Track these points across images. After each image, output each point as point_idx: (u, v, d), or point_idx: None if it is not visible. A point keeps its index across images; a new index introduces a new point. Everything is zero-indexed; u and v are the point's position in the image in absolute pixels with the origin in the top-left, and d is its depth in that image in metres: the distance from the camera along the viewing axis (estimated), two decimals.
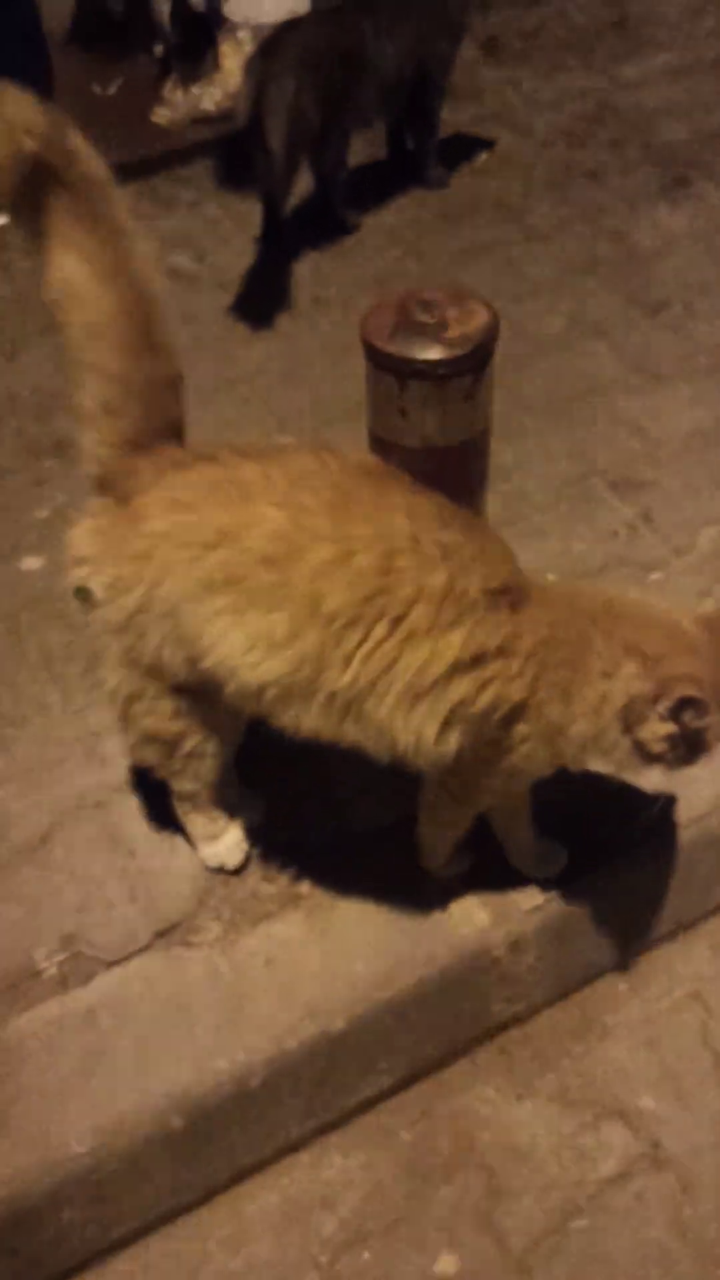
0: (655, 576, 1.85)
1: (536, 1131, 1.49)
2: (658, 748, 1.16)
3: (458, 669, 1.14)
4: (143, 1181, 1.32)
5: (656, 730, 1.15)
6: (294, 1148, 1.46)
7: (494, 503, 2.01)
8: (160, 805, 1.57)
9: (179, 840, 1.52)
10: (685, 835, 1.59)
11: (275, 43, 2.51)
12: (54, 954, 1.41)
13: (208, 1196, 1.41)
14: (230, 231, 2.82)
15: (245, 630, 1.14)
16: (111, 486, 1.21)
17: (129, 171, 2.95)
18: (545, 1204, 1.43)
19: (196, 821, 1.47)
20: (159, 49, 3.44)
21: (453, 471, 1.18)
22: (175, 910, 1.45)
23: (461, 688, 1.15)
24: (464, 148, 3.07)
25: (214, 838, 1.47)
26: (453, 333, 1.10)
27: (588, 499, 2.01)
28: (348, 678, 1.13)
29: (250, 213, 2.82)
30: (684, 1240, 1.40)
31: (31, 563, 1.96)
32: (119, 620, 1.21)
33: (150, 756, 1.37)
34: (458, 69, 3.35)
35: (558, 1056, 1.56)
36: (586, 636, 1.17)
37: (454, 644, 1.12)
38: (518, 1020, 1.56)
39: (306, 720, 1.19)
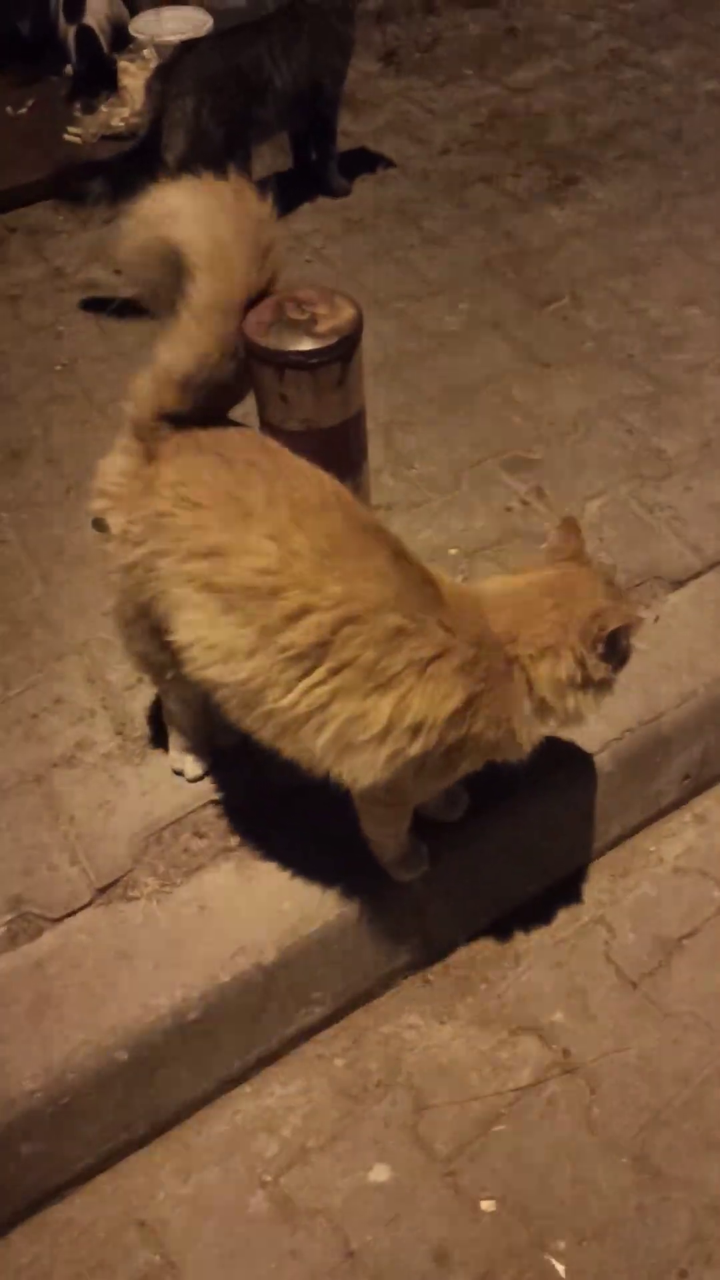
0: (545, 545, 2.01)
1: (458, 1050, 1.64)
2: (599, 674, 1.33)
3: (389, 731, 1.24)
4: (94, 1116, 1.44)
5: (599, 669, 1.33)
6: (236, 1081, 1.58)
7: (399, 487, 2.17)
8: (96, 775, 1.70)
9: (116, 804, 1.64)
10: (581, 773, 1.74)
11: (175, 63, 2.65)
12: (3, 915, 1.53)
13: (158, 1132, 1.54)
14: None
15: (214, 634, 1.26)
16: (142, 437, 1.32)
17: (43, 188, 3.10)
18: (468, 1114, 1.58)
19: (174, 736, 1.67)
20: (68, 69, 3.55)
21: (335, 449, 1.33)
22: (114, 869, 1.57)
23: (393, 744, 1.25)
24: (366, 159, 3.23)
25: (183, 751, 1.67)
26: (322, 327, 1.24)
27: (485, 479, 2.17)
28: (286, 702, 1.25)
29: None
30: (593, 1135, 1.55)
31: None
32: (124, 561, 1.34)
33: (141, 671, 1.60)
34: (359, 82, 3.53)
35: (475, 983, 1.71)
36: (498, 646, 1.30)
37: (383, 711, 1.22)
38: (437, 953, 1.71)
39: (247, 723, 1.32)
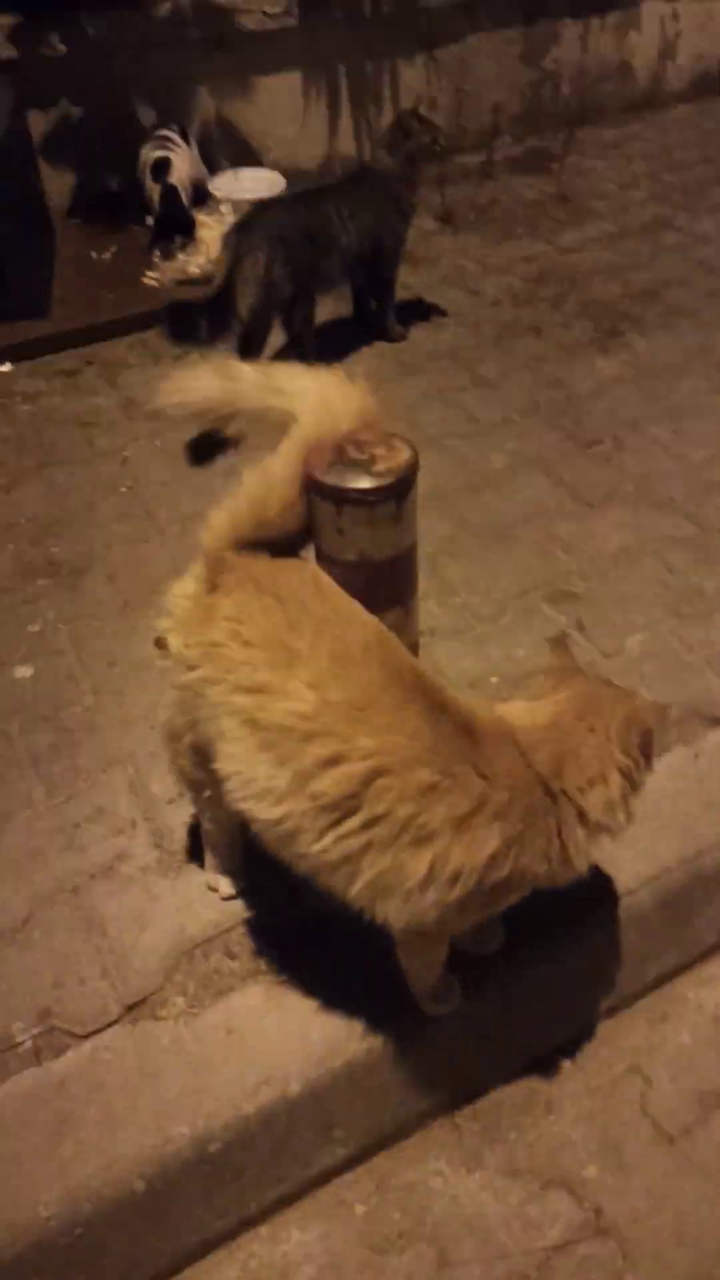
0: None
1: (485, 1202, 1.57)
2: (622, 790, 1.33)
3: (430, 882, 1.25)
4: (106, 1252, 1.39)
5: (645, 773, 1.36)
6: (253, 1221, 1.52)
7: (444, 615, 2.22)
8: (132, 888, 1.71)
9: (150, 919, 1.65)
10: (617, 912, 1.72)
11: (250, 221, 2.87)
12: (29, 1028, 1.52)
13: (170, 1272, 1.48)
14: None
15: (251, 769, 1.31)
16: (210, 567, 1.39)
17: (124, 326, 3.33)
18: (494, 1273, 1.50)
19: (209, 854, 1.70)
20: (149, 221, 3.85)
21: (386, 580, 1.39)
22: (144, 985, 1.56)
23: (434, 893, 1.26)
24: (422, 308, 3.43)
25: (217, 870, 1.69)
26: (380, 467, 1.32)
27: (527, 611, 2.22)
28: (318, 848, 1.28)
29: None
30: None
31: (23, 671, 2.14)
32: (179, 681, 1.40)
33: (182, 787, 1.63)
34: (418, 239, 3.78)
35: (505, 1130, 1.65)
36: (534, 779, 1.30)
37: (421, 863, 1.24)
38: (467, 1096, 1.66)
39: (283, 856, 1.35)
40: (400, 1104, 1.58)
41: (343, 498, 1.31)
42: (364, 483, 1.32)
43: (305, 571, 1.38)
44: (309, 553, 1.46)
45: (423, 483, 1.56)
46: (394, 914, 1.30)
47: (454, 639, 2.16)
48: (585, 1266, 1.50)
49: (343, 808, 1.26)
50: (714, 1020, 1.79)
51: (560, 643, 1.50)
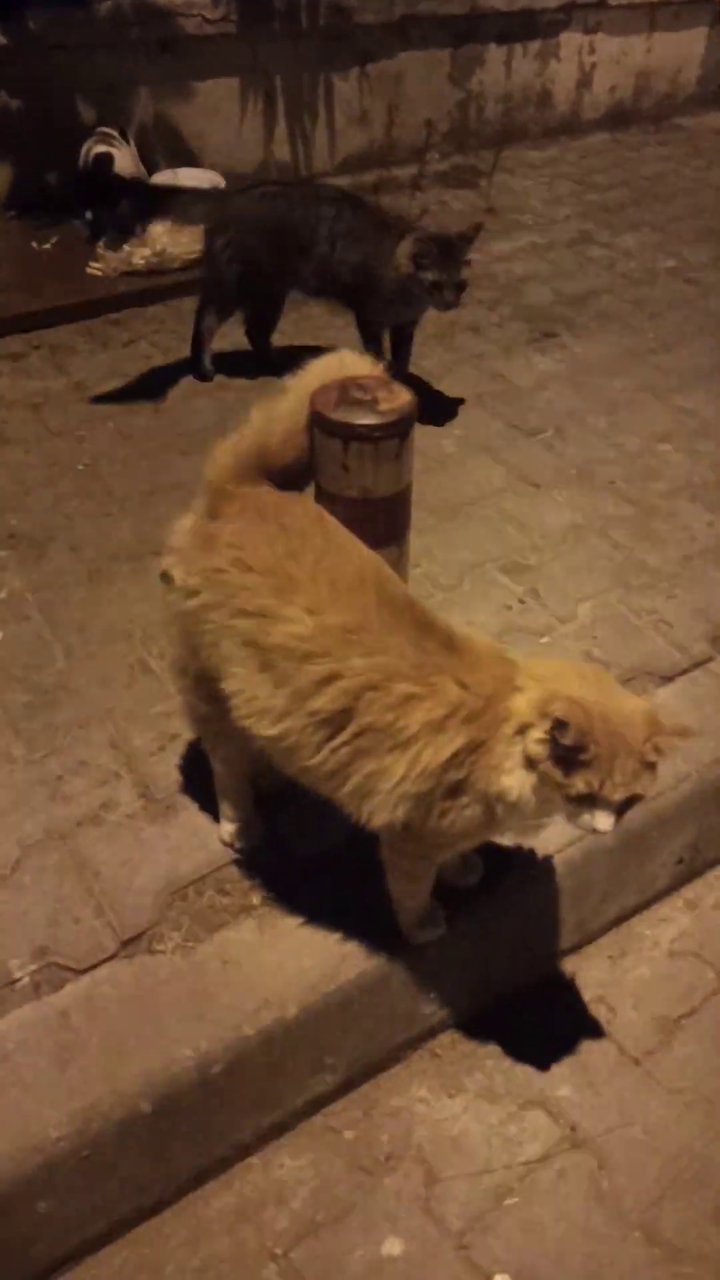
0: (544, 640, 2.17)
1: (467, 1124, 1.64)
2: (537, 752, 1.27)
3: (404, 779, 1.34)
4: (113, 1173, 1.41)
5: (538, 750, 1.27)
6: (247, 1150, 1.57)
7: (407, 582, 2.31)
8: (121, 834, 1.74)
9: (140, 862, 1.68)
10: (575, 853, 1.82)
11: (224, 199, 2.97)
12: (27, 965, 1.53)
13: (168, 1201, 1.50)
14: (160, 364, 3.18)
15: (255, 689, 1.38)
16: (212, 497, 1.44)
17: (69, 314, 3.34)
18: (479, 1187, 1.57)
19: (223, 803, 1.71)
20: (88, 215, 3.87)
21: (384, 517, 1.48)
22: (139, 922, 1.59)
23: (407, 787, 1.35)
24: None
25: (231, 820, 1.71)
26: (383, 406, 1.41)
27: (484, 580, 2.33)
28: (315, 760, 1.37)
29: (179, 348, 3.19)
30: (604, 1208, 1.56)
31: None
32: (183, 610, 1.44)
33: (192, 727, 1.65)
34: None
35: (483, 1058, 1.73)
36: (499, 697, 1.33)
37: (400, 765, 1.33)
38: (446, 1025, 1.73)
39: (286, 768, 1.44)
40: (388, 1030, 1.64)
41: (350, 434, 1.39)
42: (370, 419, 1.40)
43: (307, 504, 1.45)
44: (309, 493, 1.54)
45: None
46: (374, 813, 1.38)
47: None
48: (564, 1176, 1.59)
49: (335, 722, 1.34)
50: (669, 955, 1.91)
51: None
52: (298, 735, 1.36)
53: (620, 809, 1.29)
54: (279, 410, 1.44)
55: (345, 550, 1.40)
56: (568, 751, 1.25)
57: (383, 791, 1.36)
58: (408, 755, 1.34)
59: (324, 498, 1.49)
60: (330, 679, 1.33)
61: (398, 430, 1.42)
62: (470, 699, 1.34)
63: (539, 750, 1.27)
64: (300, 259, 2.89)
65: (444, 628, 1.40)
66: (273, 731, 1.38)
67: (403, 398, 1.44)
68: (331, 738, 1.35)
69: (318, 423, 1.41)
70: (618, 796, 1.27)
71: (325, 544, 1.39)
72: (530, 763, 1.29)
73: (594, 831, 1.29)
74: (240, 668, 1.39)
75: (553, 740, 1.25)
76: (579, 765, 1.25)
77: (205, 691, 1.49)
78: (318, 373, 1.45)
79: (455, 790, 1.37)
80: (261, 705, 1.38)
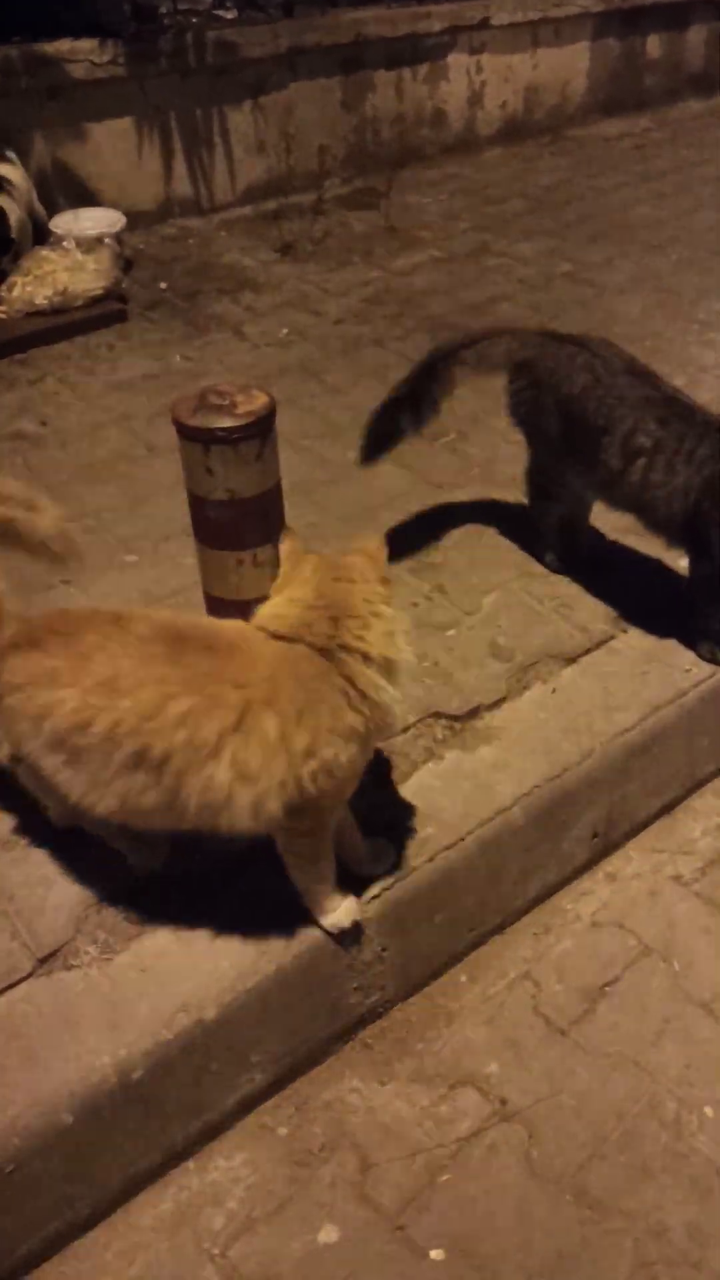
0: (450, 633, 2.22)
1: (399, 1109, 1.67)
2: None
3: (241, 781, 1.39)
4: (38, 1189, 1.42)
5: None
6: (181, 1155, 1.58)
7: None
8: (34, 855, 1.75)
9: (54, 879, 1.69)
10: (487, 832, 1.86)
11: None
12: None
13: (102, 1214, 1.51)
14: (68, 401, 3.21)
15: (68, 785, 1.45)
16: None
17: None
18: (412, 1168, 1.60)
19: (113, 843, 1.73)
20: None
21: (255, 517, 1.52)
22: (54, 940, 1.60)
23: (255, 788, 1.40)
24: (270, 328, 3.61)
25: (129, 851, 1.73)
26: (240, 410, 1.46)
27: (393, 580, 2.37)
28: (149, 801, 1.41)
29: (86, 385, 3.22)
30: (534, 1175, 1.59)
31: None
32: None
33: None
34: (259, 268, 4.01)
35: (413, 1043, 1.76)
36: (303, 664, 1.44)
37: (222, 770, 1.38)
38: (374, 1014, 1.76)
39: (142, 826, 1.52)
40: (314, 1024, 1.67)
41: (210, 437, 1.44)
42: (227, 422, 1.45)
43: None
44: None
45: (286, 476, 1.71)
46: (237, 821, 1.42)
47: None
48: (495, 1149, 1.62)
49: (141, 761, 1.38)
50: (590, 927, 1.96)
51: (288, 534, 1.55)
52: (120, 791, 1.41)
53: None
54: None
55: (91, 619, 1.46)
56: None
57: (223, 800, 1.40)
58: (224, 759, 1.38)
59: (195, 504, 1.53)
60: (112, 729, 1.37)
61: (257, 431, 1.47)
62: (256, 692, 1.40)
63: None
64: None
65: (202, 632, 1.46)
66: (109, 806, 1.44)
67: (259, 400, 1.49)
68: (151, 774, 1.39)
69: (179, 430, 1.45)
70: None
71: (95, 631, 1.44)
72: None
73: None
74: (58, 776, 1.45)
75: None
76: None
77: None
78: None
79: (315, 752, 1.42)
80: (77, 790, 1.44)
